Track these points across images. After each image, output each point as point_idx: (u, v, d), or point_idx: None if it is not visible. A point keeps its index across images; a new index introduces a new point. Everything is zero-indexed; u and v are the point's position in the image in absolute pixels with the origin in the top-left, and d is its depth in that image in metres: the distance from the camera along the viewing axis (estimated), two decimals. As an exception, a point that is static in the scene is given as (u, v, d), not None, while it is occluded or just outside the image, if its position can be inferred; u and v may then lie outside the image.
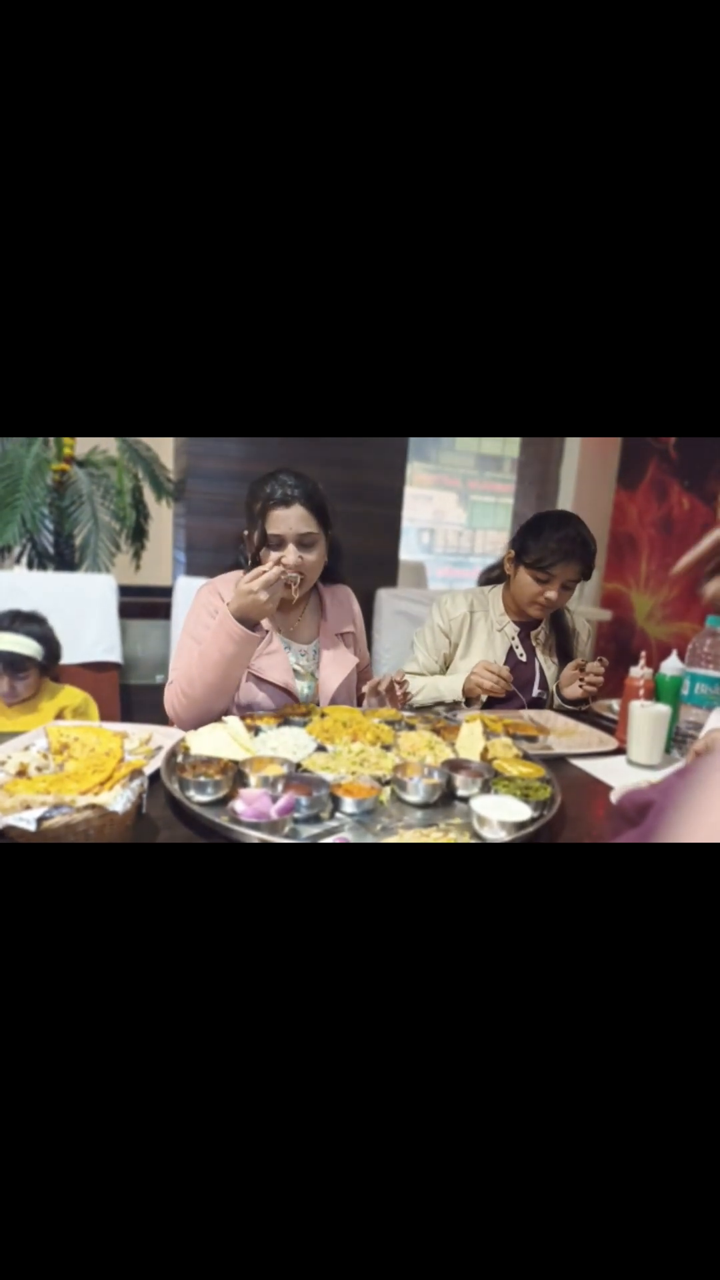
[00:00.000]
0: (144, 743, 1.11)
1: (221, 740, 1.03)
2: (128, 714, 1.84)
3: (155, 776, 0.96)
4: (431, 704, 1.43)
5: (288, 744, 1.06)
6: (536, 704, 1.49)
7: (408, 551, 2.41)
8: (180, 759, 0.99)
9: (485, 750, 1.08)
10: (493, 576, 1.63)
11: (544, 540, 1.42)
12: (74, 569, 1.92)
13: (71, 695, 1.54)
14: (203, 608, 1.31)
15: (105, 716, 1.67)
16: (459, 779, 0.98)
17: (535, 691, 1.50)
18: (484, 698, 1.38)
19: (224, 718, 1.09)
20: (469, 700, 1.38)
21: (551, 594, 1.42)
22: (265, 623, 1.30)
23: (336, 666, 1.35)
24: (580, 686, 1.39)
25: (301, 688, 1.33)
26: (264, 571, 1.12)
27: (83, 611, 1.73)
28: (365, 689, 1.40)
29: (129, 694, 1.87)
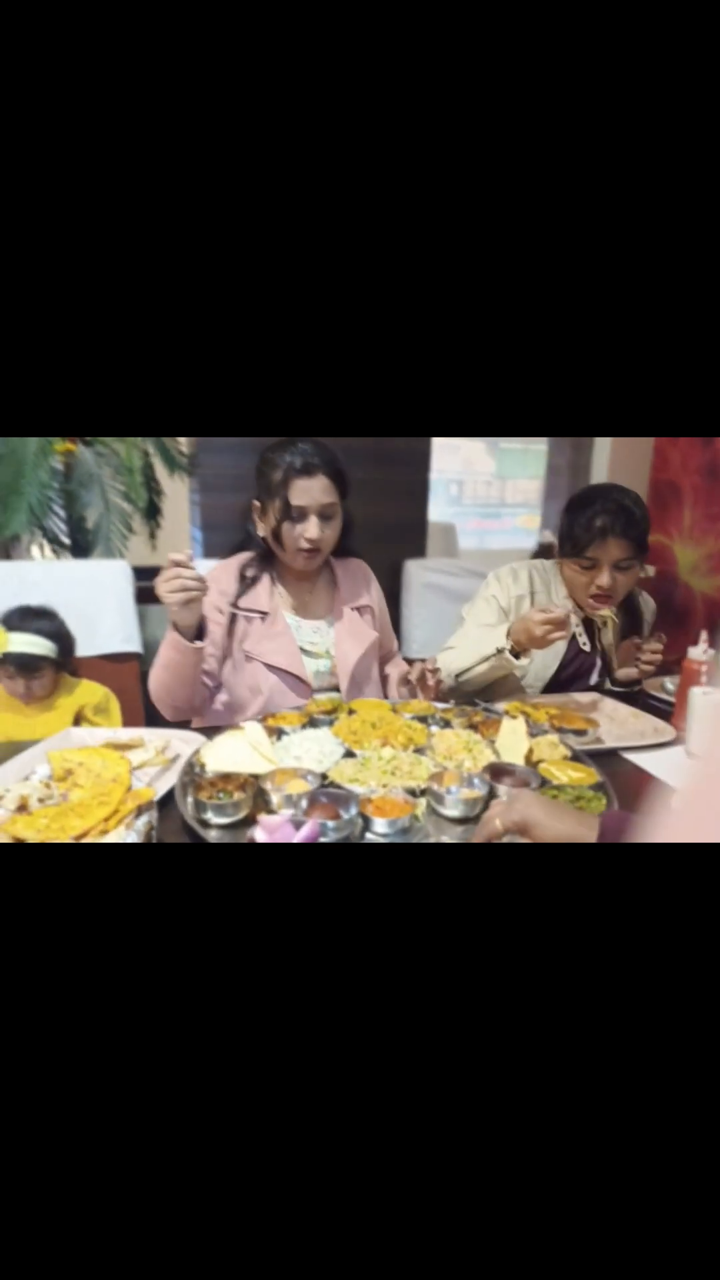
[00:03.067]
0: (160, 752, 1.03)
1: (240, 750, 0.95)
2: (151, 706, 1.78)
3: (171, 794, 0.89)
4: (474, 664, 1.22)
5: (312, 752, 0.98)
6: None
7: (435, 506, 2.25)
8: (196, 773, 0.92)
9: (530, 751, 0.98)
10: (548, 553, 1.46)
11: (575, 522, 1.24)
12: (88, 554, 1.84)
13: (91, 691, 1.48)
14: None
15: (127, 709, 1.61)
16: (502, 789, 0.88)
17: (594, 680, 1.37)
18: (532, 654, 1.21)
19: (243, 723, 1.01)
20: (517, 653, 1.18)
21: (604, 581, 1.23)
22: (270, 600, 1.23)
23: (354, 641, 1.26)
24: (637, 667, 1.26)
25: (316, 667, 1.24)
26: (172, 559, 1.01)
27: (97, 600, 1.65)
28: (395, 679, 1.31)
29: (151, 682, 1.81)
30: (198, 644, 1.09)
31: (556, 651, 1.32)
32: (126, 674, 1.70)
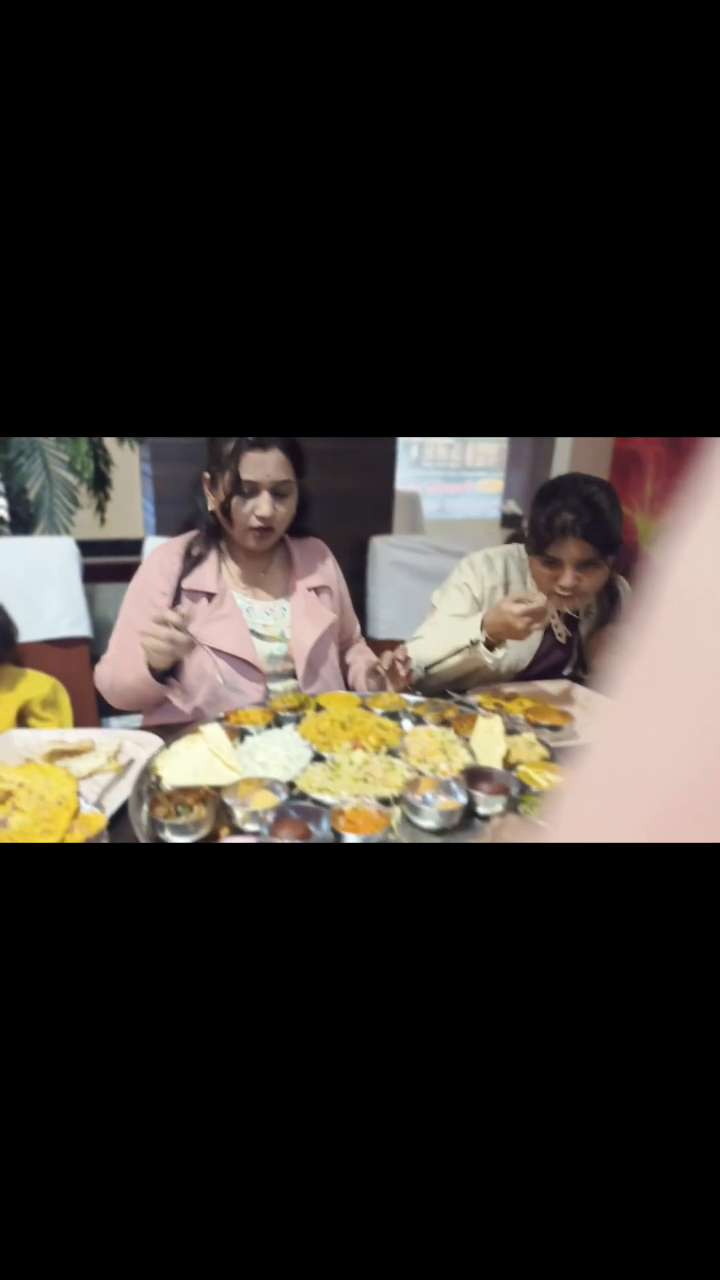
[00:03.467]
0: (111, 757, 0.95)
1: (200, 758, 0.88)
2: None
3: (124, 808, 0.82)
4: (446, 656, 1.17)
5: (278, 757, 0.91)
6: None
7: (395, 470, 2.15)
8: (152, 783, 0.85)
9: (507, 753, 0.93)
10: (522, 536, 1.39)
11: (538, 516, 1.15)
12: (30, 529, 1.71)
13: (37, 683, 1.37)
14: (142, 588, 1.18)
15: (76, 698, 1.51)
16: (479, 796, 0.84)
17: (568, 671, 1.32)
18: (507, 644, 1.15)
19: (201, 726, 0.93)
20: (492, 645, 1.13)
21: (565, 581, 1.15)
22: (218, 580, 1.17)
23: (310, 622, 1.19)
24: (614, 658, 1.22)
25: (270, 650, 1.18)
26: (165, 619, 0.96)
27: (41, 582, 1.53)
28: (362, 669, 1.24)
29: (103, 667, 1.71)
30: (172, 681, 1.05)
31: (531, 644, 1.27)
32: (75, 660, 1.59)
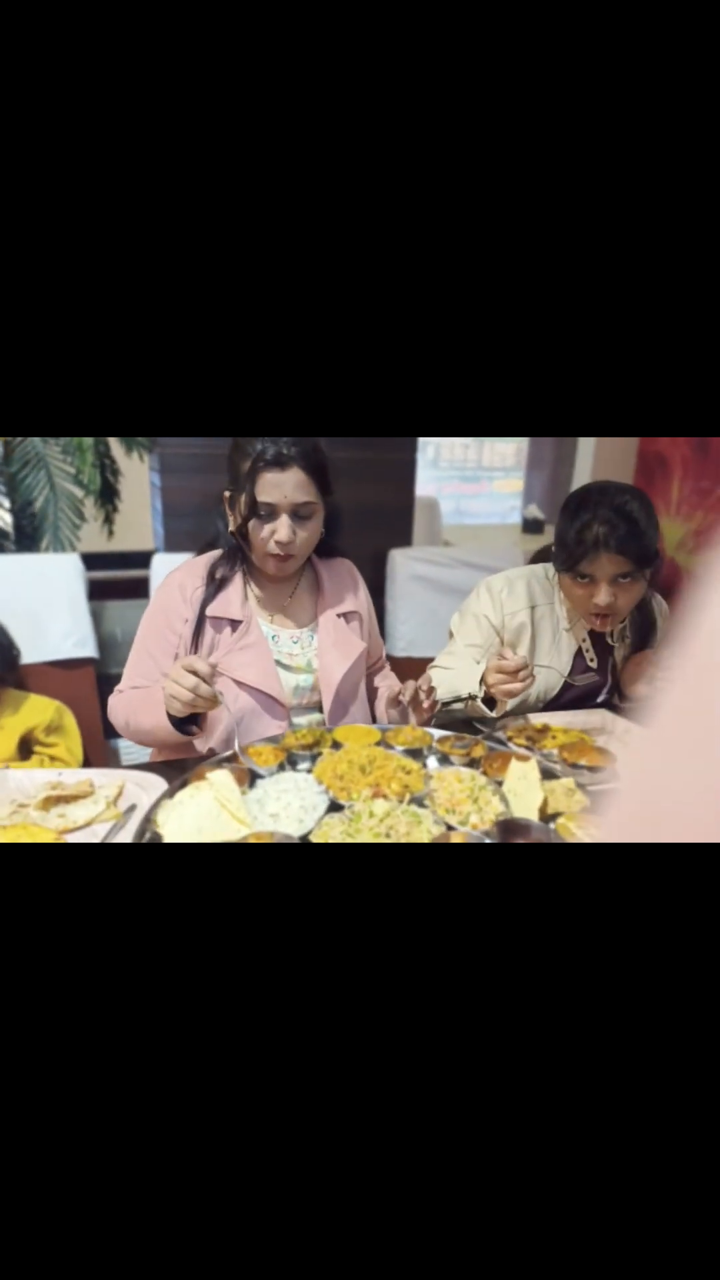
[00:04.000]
0: (111, 803, 0.88)
1: (205, 810, 0.80)
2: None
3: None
4: (450, 701, 1.11)
5: (291, 806, 0.83)
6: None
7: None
8: (152, 838, 0.77)
9: (544, 802, 0.84)
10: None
11: (567, 530, 1.08)
12: (35, 544, 1.65)
13: (40, 709, 1.31)
14: (161, 614, 1.08)
15: (83, 722, 1.44)
16: (516, 856, 0.75)
17: (602, 698, 1.23)
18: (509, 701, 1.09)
19: (208, 773, 0.85)
20: (491, 702, 1.06)
21: (601, 599, 1.06)
22: (244, 607, 1.08)
23: (339, 652, 1.10)
24: (651, 685, 1.13)
25: (296, 682, 1.09)
26: (194, 668, 0.89)
27: (45, 600, 1.47)
28: (384, 697, 1.16)
29: (108, 686, 1.64)
30: (194, 729, 0.98)
31: (561, 670, 1.19)
32: (80, 681, 1.52)
